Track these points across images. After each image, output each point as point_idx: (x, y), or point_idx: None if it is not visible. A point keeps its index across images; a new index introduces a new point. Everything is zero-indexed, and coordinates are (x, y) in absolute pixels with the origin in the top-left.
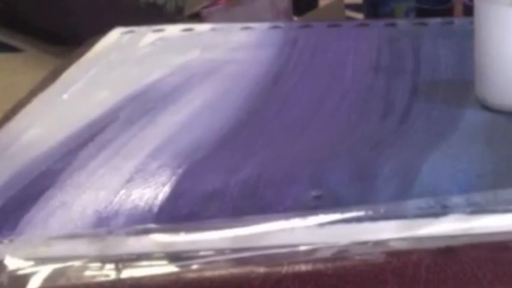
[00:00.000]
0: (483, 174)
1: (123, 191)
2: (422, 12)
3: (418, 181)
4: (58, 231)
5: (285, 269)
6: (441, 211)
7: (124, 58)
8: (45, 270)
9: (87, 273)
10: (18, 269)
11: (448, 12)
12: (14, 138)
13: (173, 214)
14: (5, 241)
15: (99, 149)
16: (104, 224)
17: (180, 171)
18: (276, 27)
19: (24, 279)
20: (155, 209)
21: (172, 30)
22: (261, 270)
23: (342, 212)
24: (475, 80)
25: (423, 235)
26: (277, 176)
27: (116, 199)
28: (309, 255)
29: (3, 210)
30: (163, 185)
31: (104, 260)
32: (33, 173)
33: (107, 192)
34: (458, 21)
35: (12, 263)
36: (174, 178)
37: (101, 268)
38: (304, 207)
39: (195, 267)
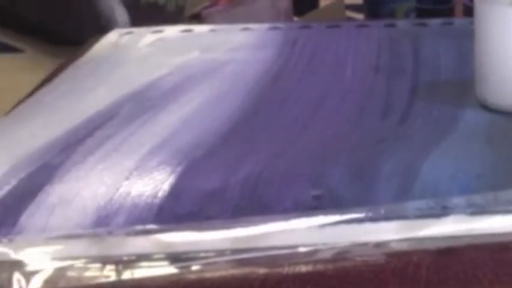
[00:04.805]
0: (483, 175)
1: (122, 189)
2: (422, 13)
3: (418, 181)
4: (58, 229)
5: (286, 270)
6: (441, 212)
7: (123, 58)
8: (45, 271)
9: (88, 274)
10: (18, 270)
11: (449, 12)
12: (12, 132)
13: (173, 213)
14: (4, 240)
15: (98, 144)
16: (103, 222)
17: (179, 169)
18: (275, 27)
19: (25, 279)
20: (155, 208)
21: (172, 31)
22: (261, 271)
23: (342, 213)
24: (475, 80)
25: (424, 236)
26: (276, 175)
27: (115, 197)
28: (310, 256)
29: (2, 206)
30: (163, 183)
31: (104, 260)
32: (31, 167)
33: (106, 189)
34: (459, 21)
35: (12, 263)
36: (173, 176)
37: (101, 269)
38: (304, 206)
39: (195, 268)
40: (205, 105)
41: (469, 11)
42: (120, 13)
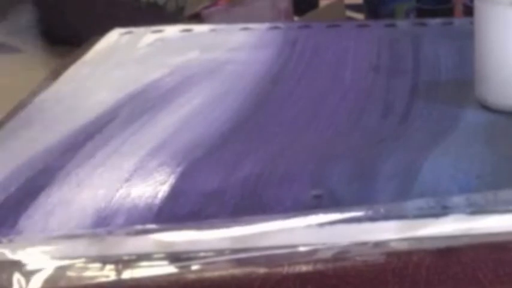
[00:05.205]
0: (483, 175)
1: (122, 190)
2: (422, 13)
3: (418, 181)
4: (58, 230)
5: (285, 270)
6: (441, 211)
7: (123, 58)
8: (45, 271)
9: (87, 274)
10: (18, 270)
11: (449, 12)
12: (13, 135)
13: (173, 213)
14: (4, 240)
15: (98, 146)
16: (103, 224)
17: (179, 169)
18: (275, 27)
19: (25, 279)
20: (155, 208)
21: (172, 31)
22: (261, 270)
23: (342, 212)
24: (475, 80)
25: (423, 235)
26: (277, 175)
27: (115, 198)
28: (309, 255)
29: (3, 207)
30: (163, 183)
31: (104, 260)
32: (32, 169)
33: (106, 191)
34: (459, 21)
35: (12, 263)
36: (173, 177)
37: (101, 269)
38: (304, 206)
39: (195, 267)
40: (205, 105)
41: (469, 11)
42: None
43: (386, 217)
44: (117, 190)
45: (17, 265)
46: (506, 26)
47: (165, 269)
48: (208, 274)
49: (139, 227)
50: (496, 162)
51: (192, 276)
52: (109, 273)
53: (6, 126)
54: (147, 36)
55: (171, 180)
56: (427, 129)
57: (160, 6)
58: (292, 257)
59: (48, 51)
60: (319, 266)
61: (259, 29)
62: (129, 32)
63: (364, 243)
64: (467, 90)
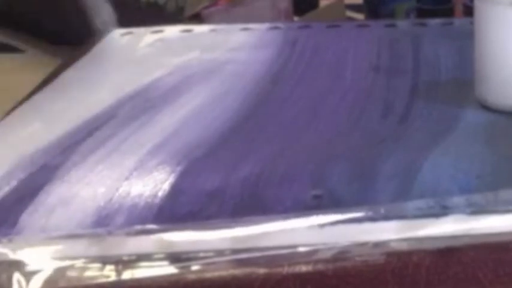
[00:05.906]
0: (483, 175)
1: (122, 189)
2: (422, 13)
3: (418, 181)
4: (58, 229)
5: (285, 270)
6: (441, 211)
7: (124, 58)
8: (45, 271)
9: (87, 274)
10: (18, 270)
11: (449, 12)
12: (12, 133)
13: (173, 213)
14: (4, 240)
15: (98, 145)
16: (103, 223)
17: (179, 169)
18: (275, 27)
19: (25, 279)
20: (155, 208)
21: (172, 31)
22: (261, 271)
23: (342, 212)
24: (475, 80)
25: (423, 236)
26: (277, 175)
27: (115, 197)
28: (309, 256)
29: (2, 206)
30: (163, 182)
31: (104, 260)
32: (32, 167)
33: (105, 190)
34: (459, 21)
35: (12, 263)
36: (173, 176)
37: (101, 269)
38: (304, 206)
39: (195, 268)
40: (205, 105)
41: (469, 11)
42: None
43: (386, 217)
44: (117, 189)
45: (17, 265)
46: (506, 26)
47: (165, 269)
48: (208, 274)
49: (139, 227)
50: (496, 162)
51: (192, 276)
52: (109, 274)
53: (6, 125)
54: (147, 37)
55: (171, 179)
56: (427, 129)
57: (160, 6)
58: (292, 257)
59: (48, 51)
60: (319, 266)
61: (259, 29)
62: (129, 32)
63: (364, 244)
64: (467, 90)
